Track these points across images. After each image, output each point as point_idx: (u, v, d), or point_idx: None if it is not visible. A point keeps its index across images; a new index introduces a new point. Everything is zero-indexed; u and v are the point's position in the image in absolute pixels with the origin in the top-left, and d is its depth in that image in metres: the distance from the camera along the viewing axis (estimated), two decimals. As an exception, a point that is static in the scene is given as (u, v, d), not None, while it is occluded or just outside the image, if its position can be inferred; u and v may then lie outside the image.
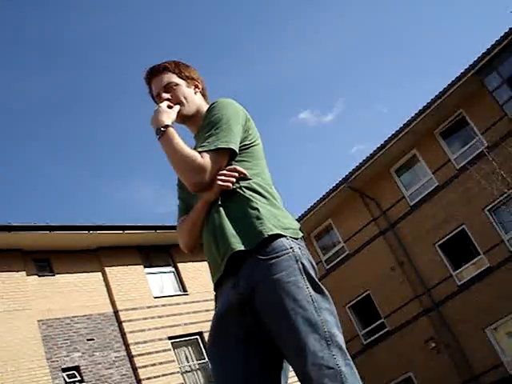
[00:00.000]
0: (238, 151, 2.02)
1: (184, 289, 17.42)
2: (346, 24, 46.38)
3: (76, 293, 15.07)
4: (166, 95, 2.20)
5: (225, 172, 1.97)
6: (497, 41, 17.65)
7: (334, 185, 21.68)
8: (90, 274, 15.78)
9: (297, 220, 22.42)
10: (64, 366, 13.67)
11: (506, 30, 17.36)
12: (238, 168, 1.99)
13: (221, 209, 1.96)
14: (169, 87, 2.22)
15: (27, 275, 14.44)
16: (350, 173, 21.21)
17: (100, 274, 15.98)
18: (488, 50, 17.80)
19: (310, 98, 54.57)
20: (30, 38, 38.13)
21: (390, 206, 21.15)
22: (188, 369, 16.03)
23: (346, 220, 22.54)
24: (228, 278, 1.91)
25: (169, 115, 2.09)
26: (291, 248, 1.85)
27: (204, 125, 2.07)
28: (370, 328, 22.00)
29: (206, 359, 15.73)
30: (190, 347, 16.23)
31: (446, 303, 19.67)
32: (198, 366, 16.42)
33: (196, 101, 2.25)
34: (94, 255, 16.11)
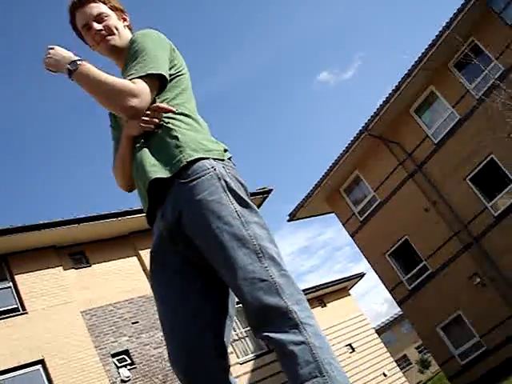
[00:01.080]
0: (168, 77, 1.94)
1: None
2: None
3: (114, 280, 15.30)
4: (97, 26, 2.10)
5: (148, 112, 1.88)
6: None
7: (355, 135, 21.36)
8: (126, 259, 15.98)
9: (323, 176, 22.46)
10: (113, 352, 13.94)
11: None
12: (162, 105, 1.90)
13: (143, 143, 1.89)
14: (100, 17, 2.11)
15: (64, 269, 14.71)
16: (368, 120, 20.82)
17: (135, 258, 16.17)
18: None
19: (326, 59, 53.94)
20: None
21: (415, 148, 20.75)
22: (235, 337, 16.20)
23: (373, 168, 22.24)
24: (157, 210, 1.86)
25: (67, 52, 1.97)
26: (212, 167, 1.78)
27: (129, 56, 1.98)
28: (412, 273, 21.82)
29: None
30: (237, 316, 16.37)
31: (485, 236, 19.30)
32: (245, 334, 16.59)
33: (126, 33, 2.15)
34: (128, 241, 16.29)
